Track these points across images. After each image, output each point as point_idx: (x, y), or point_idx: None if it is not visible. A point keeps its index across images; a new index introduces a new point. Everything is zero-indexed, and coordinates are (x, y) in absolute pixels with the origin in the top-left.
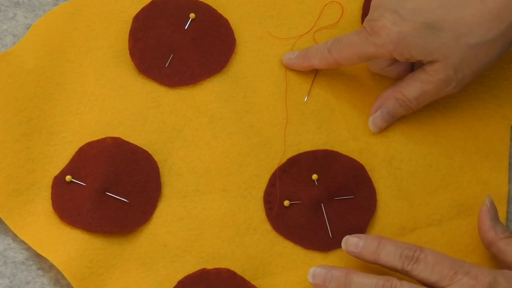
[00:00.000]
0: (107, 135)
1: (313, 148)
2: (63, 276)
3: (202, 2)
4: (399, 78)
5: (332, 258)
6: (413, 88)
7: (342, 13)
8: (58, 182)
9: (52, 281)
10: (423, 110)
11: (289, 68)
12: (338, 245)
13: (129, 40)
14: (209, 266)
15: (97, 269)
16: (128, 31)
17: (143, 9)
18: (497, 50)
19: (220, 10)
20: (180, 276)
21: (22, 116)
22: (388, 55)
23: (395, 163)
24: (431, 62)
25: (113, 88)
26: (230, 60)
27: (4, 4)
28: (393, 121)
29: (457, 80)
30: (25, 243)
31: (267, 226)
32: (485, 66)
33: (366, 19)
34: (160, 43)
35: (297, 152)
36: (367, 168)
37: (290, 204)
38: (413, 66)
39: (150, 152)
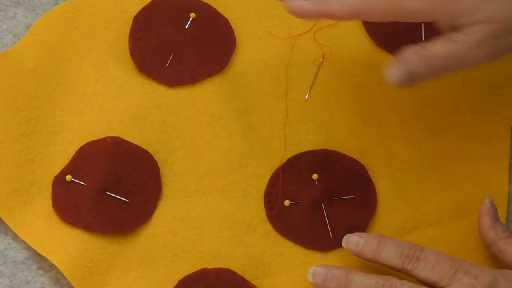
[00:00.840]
0: (107, 135)
1: (313, 148)
2: (63, 275)
3: (202, 1)
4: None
5: (332, 258)
6: (442, 46)
7: None
8: (58, 182)
9: (52, 280)
10: (423, 110)
11: (299, 16)
12: (338, 245)
13: (129, 40)
14: (209, 266)
15: (97, 269)
16: (128, 31)
17: (143, 9)
18: None
19: (220, 10)
20: (180, 276)
21: (22, 116)
22: (429, 16)
23: (395, 163)
24: (469, 25)
25: (113, 88)
26: (230, 60)
27: (4, 4)
28: (411, 83)
29: (497, 47)
30: (25, 243)
31: (267, 226)
32: None
33: None
34: (160, 43)
35: (297, 152)
36: (367, 168)
37: (291, 204)
38: None
39: (150, 152)
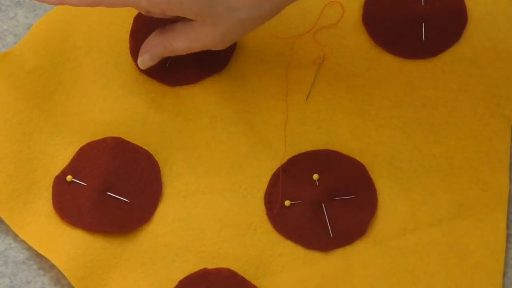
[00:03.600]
0: (107, 135)
1: (314, 148)
2: (63, 275)
3: None
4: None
5: (333, 258)
6: (182, 43)
7: (343, 13)
8: (59, 182)
9: (52, 280)
10: (423, 109)
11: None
12: (339, 245)
13: (129, 40)
14: (210, 266)
15: (98, 269)
16: (128, 31)
17: None
18: (261, 22)
19: None
20: (180, 276)
21: (22, 116)
22: (159, 12)
23: (395, 163)
24: (202, 24)
25: (113, 88)
26: (230, 60)
27: (5, 4)
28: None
29: (223, 44)
30: (26, 243)
31: (268, 226)
32: (249, 32)
33: None
34: None
35: (298, 152)
36: (367, 168)
37: (291, 204)
38: None
39: (151, 152)
